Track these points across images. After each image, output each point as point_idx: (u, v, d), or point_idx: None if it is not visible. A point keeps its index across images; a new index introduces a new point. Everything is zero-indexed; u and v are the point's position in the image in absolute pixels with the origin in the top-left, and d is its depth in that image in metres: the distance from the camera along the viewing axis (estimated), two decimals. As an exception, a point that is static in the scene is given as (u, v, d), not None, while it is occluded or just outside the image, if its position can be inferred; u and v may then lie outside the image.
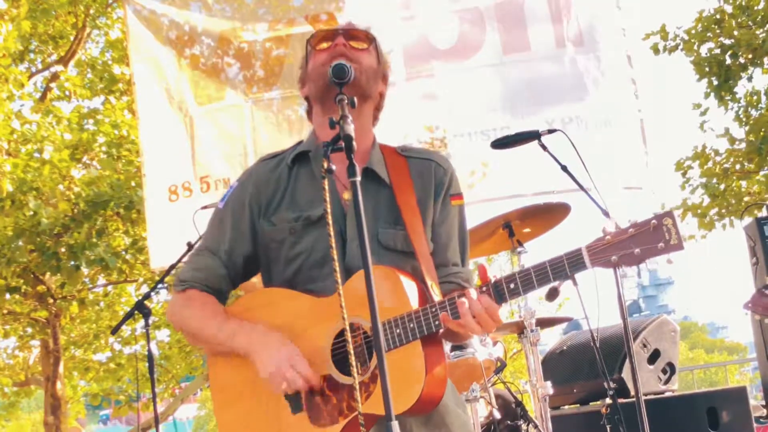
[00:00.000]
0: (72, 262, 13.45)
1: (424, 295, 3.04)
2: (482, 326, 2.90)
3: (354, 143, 2.70)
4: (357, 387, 2.66)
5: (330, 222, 2.71)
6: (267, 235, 3.27)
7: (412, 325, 2.93)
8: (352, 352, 2.66)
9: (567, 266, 2.84)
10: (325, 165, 2.68)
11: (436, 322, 2.92)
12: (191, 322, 3.31)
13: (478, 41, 8.16)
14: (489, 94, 8.05)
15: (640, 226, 2.80)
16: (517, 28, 8.14)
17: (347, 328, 2.65)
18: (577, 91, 7.96)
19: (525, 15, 8.17)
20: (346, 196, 3.18)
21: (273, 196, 3.29)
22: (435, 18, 8.24)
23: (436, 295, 3.05)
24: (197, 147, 8.33)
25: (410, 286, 3.02)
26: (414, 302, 2.99)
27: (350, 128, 2.72)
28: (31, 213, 12.86)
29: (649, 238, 2.79)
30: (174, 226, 7.88)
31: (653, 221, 2.78)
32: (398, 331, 2.94)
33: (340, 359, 3.02)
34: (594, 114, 7.89)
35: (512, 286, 2.90)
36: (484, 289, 2.92)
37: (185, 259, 3.47)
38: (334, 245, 2.71)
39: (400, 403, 2.86)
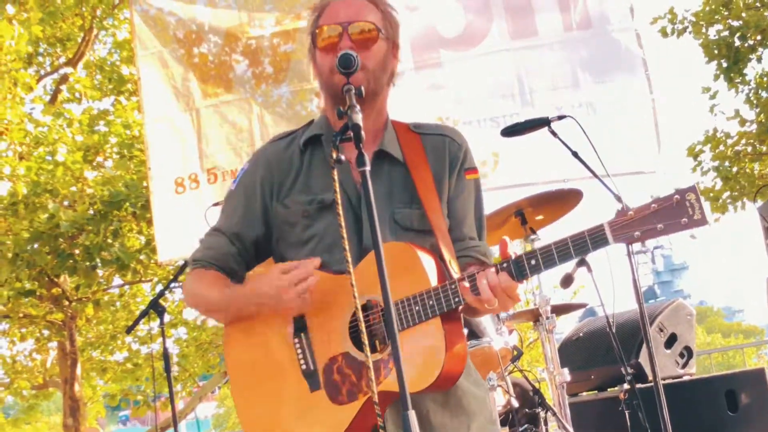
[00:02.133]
0: (88, 263, 13.50)
1: (442, 271, 3.03)
2: (501, 304, 2.89)
3: (362, 133, 2.70)
4: (370, 366, 2.65)
5: (340, 213, 2.70)
6: (280, 217, 3.25)
7: (431, 302, 2.92)
8: (364, 331, 2.67)
9: (589, 242, 2.82)
10: (334, 155, 2.68)
11: (456, 299, 2.91)
12: (202, 297, 3.33)
13: (484, 28, 8.13)
14: (497, 80, 8.03)
15: (663, 202, 2.77)
16: (523, 15, 8.11)
17: (358, 308, 2.64)
18: (587, 76, 7.94)
19: (532, 1, 8.14)
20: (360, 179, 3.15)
21: (285, 178, 3.27)
22: (440, 7, 8.22)
23: (455, 272, 3.04)
24: (204, 139, 8.34)
25: (428, 262, 3.00)
26: (432, 278, 2.97)
27: (358, 117, 2.72)
28: (49, 215, 12.89)
29: (672, 214, 2.75)
30: (181, 218, 7.89)
31: (676, 196, 2.75)
32: (417, 308, 2.93)
33: (359, 337, 2.97)
34: (604, 98, 7.86)
35: (533, 262, 2.87)
36: (504, 265, 2.89)
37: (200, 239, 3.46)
38: (343, 224, 2.70)
39: (420, 381, 2.87)
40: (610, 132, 7.55)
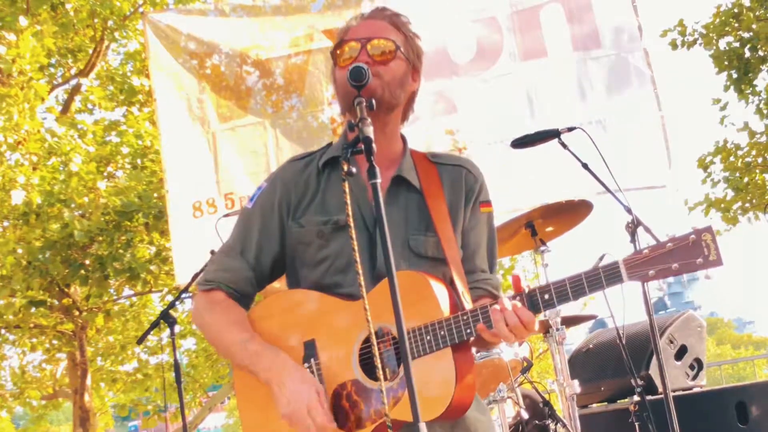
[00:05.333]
0: (100, 273, 13.56)
1: (455, 301, 3.02)
2: (516, 336, 2.89)
3: (374, 145, 2.69)
4: (384, 392, 2.64)
5: (351, 224, 2.70)
6: (294, 237, 3.23)
7: (442, 333, 2.91)
8: (378, 356, 2.65)
9: (603, 279, 2.82)
10: (345, 168, 2.67)
11: (468, 331, 2.90)
12: (214, 331, 3.28)
13: (495, 52, 8.15)
14: (508, 102, 8.04)
15: (679, 241, 2.77)
16: (534, 35, 8.13)
17: (372, 334, 2.63)
18: (596, 95, 7.95)
19: (541, 22, 8.16)
20: None
21: (302, 198, 3.26)
22: (452, 30, 8.23)
23: (467, 303, 3.03)
24: (220, 163, 8.35)
25: (441, 292, 3.00)
26: (445, 308, 2.96)
27: (369, 130, 2.72)
28: (62, 225, 12.95)
29: (687, 253, 2.76)
30: (199, 242, 7.87)
31: (692, 236, 2.75)
32: (428, 337, 2.92)
33: (369, 364, 2.99)
34: (614, 116, 7.85)
35: (546, 297, 2.88)
36: (517, 298, 2.90)
37: (212, 258, 3.43)
38: (356, 248, 2.68)
39: (429, 411, 2.85)
40: (620, 149, 7.53)
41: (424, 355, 2.93)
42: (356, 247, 2.69)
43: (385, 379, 2.97)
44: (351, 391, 3.04)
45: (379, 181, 2.68)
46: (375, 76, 3.09)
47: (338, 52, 3.23)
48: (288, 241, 3.27)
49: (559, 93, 8.00)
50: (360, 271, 2.67)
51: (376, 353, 2.66)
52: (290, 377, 3.05)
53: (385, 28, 3.24)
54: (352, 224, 2.71)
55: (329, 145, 3.40)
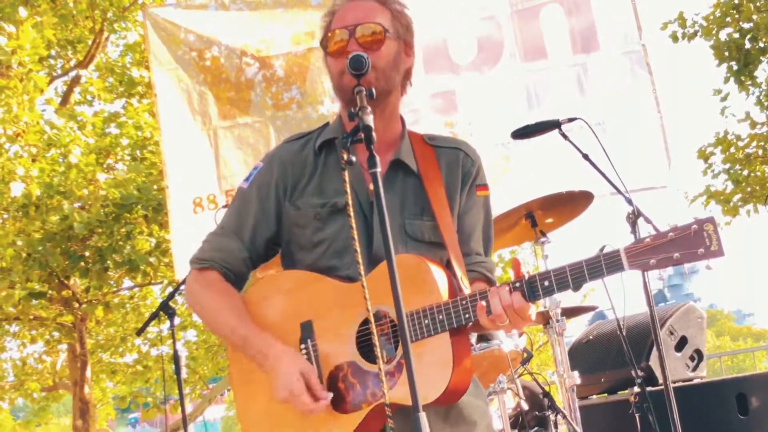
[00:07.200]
0: (99, 265, 13.56)
1: (453, 286, 3.02)
2: (512, 323, 2.88)
3: (374, 134, 2.68)
4: (383, 375, 2.64)
5: (351, 214, 2.70)
6: (291, 219, 3.23)
7: (441, 317, 2.91)
8: (377, 342, 2.66)
9: (604, 267, 2.80)
10: (345, 157, 2.66)
11: (467, 316, 2.89)
12: (208, 314, 3.30)
13: (496, 52, 8.15)
14: (509, 103, 8.03)
15: (681, 231, 2.75)
16: (534, 36, 8.12)
17: (371, 317, 2.64)
18: (596, 97, 7.95)
19: (541, 22, 8.15)
20: (372, 186, 2.99)
21: (299, 179, 3.25)
22: (452, 28, 8.22)
23: (466, 287, 3.03)
24: (221, 160, 8.36)
25: (440, 276, 2.99)
26: (444, 293, 2.96)
27: (369, 119, 2.71)
28: (61, 217, 12.94)
29: (689, 243, 2.74)
30: (199, 237, 7.86)
31: (694, 226, 2.74)
32: (426, 321, 2.91)
33: (365, 346, 3.00)
34: (614, 117, 7.86)
35: (546, 283, 2.86)
36: (517, 284, 2.88)
37: (205, 237, 3.42)
38: (356, 235, 2.69)
39: (425, 395, 2.83)
40: (620, 150, 7.52)
41: (422, 339, 2.92)
42: (356, 235, 2.69)
43: (383, 362, 2.96)
44: (347, 372, 3.05)
45: (378, 170, 2.66)
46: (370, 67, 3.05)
47: (328, 37, 3.20)
48: (284, 223, 3.26)
49: (559, 95, 8.00)
50: (360, 260, 2.68)
51: (376, 341, 2.67)
52: (279, 362, 3.05)
53: (372, 9, 3.20)
54: (351, 213, 2.71)
55: (326, 125, 3.38)
